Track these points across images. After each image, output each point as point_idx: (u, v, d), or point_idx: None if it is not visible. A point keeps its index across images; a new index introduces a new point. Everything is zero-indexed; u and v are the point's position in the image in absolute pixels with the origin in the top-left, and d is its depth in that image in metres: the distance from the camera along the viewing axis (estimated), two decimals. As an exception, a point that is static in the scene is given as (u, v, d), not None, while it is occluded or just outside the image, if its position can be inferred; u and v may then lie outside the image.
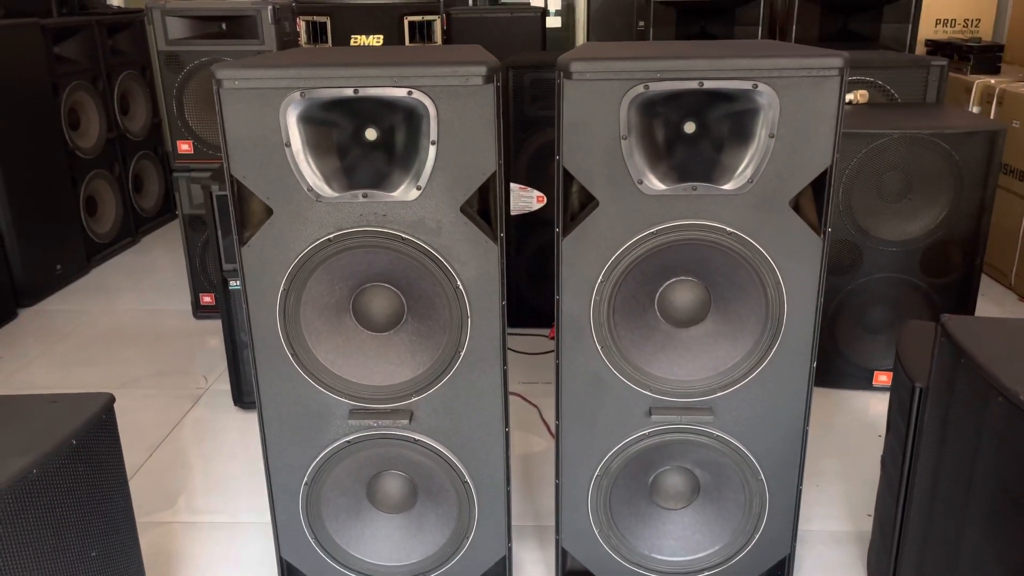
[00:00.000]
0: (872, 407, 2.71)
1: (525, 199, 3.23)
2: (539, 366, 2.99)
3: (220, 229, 2.57)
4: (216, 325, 3.26)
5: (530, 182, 3.15)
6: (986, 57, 4.05)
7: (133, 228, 4.50)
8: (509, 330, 3.29)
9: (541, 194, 3.18)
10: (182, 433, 2.62)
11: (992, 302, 3.51)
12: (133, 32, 4.43)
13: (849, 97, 2.97)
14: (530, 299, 3.29)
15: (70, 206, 3.95)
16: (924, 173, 2.57)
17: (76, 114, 4.03)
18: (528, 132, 3.08)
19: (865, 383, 2.81)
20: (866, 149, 2.54)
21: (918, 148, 2.54)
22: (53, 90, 3.82)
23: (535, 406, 2.72)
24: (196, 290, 3.47)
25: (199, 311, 3.50)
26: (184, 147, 3.23)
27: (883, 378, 2.79)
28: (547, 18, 4.32)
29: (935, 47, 4.37)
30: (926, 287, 2.69)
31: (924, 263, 2.67)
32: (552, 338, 3.16)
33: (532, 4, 6.57)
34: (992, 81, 3.79)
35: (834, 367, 2.81)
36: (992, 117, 3.71)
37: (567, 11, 6.18)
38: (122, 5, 5.05)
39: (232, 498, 2.28)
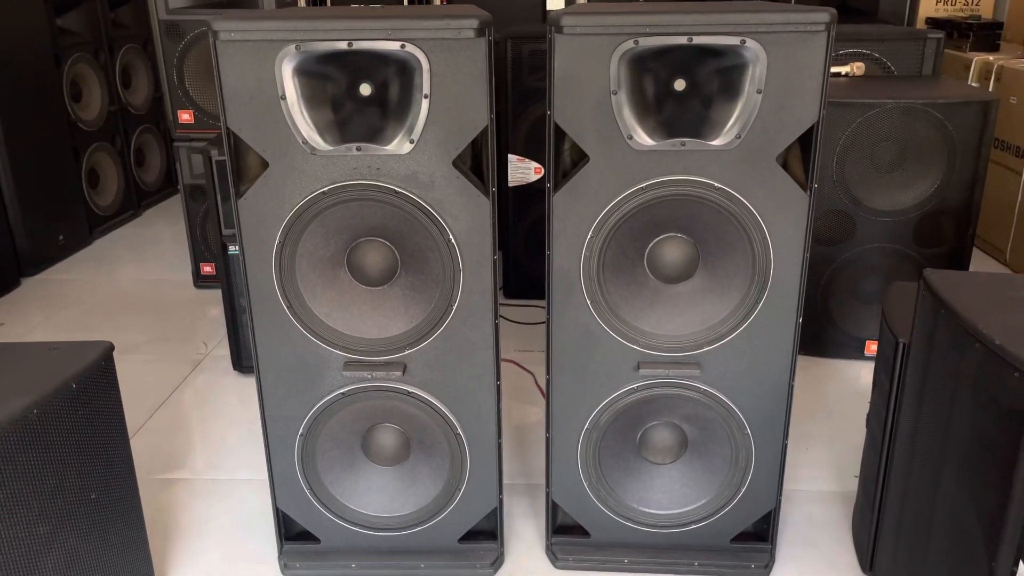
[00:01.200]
0: (863, 376, 2.74)
1: (523, 170, 3.26)
2: (534, 336, 3.02)
3: (220, 195, 2.60)
4: (216, 295, 3.30)
5: (528, 153, 3.18)
6: (985, 35, 4.05)
7: (135, 201, 4.54)
8: (505, 301, 3.34)
9: (539, 165, 3.20)
10: (182, 396, 2.66)
11: (987, 277, 3.53)
12: (135, 5, 4.44)
13: (845, 69, 2.98)
14: (527, 270, 3.32)
15: (72, 178, 3.98)
16: (917, 143, 2.59)
17: (78, 86, 4.05)
18: (526, 103, 3.10)
19: (857, 353, 2.84)
20: (860, 119, 2.56)
21: (912, 118, 2.55)
22: (55, 62, 3.85)
23: (530, 372, 2.76)
24: (197, 260, 3.50)
25: (199, 281, 3.53)
26: (185, 117, 3.25)
27: (874, 347, 2.82)
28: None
29: (935, 24, 4.38)
30: (919, 257, 2.71)
31: (917, 233, 2.69)
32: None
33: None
34: (991, 58, 3.80)
35: (826, 337, 2.84)
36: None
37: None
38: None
39: (231, 457, 2.32)
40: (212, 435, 2.43)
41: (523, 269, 3.34)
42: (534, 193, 3.20)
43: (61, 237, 3.88)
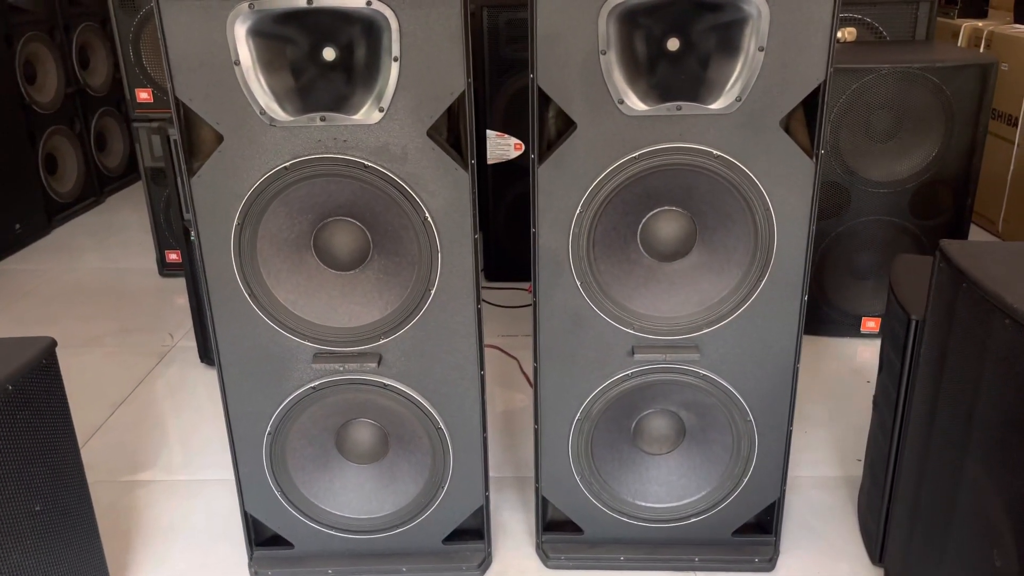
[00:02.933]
0: (860, 354, 2.64)
1: (502, 147, 3.11)
2: (518, 319, 2.89)
3: (180, 176, 2.44)
4: (182, 283, 3.15)
5: (507, 128, 3.03)
6: (973, 0, 3.95)
7: (97, 187, 4.34)
8: (487, 284, 3.20)
9: (519, 141, 3.06)
10: (146, 390, 2.50)
11: (979, 250, 3.45)
12: (91, -19, 4.23)
13: (837, 35, 2.85)
14: (508, 252, 3.18)
15: (28, 164, 3.78)
16: (914, 110, 2.48)
17: (32, 67, 3.85)
18: (505, 76, 2.96)
19: (853, 330, 2.74)
20: (855, 86, 2.44)
21: (908, 83, 2.44)
22: (6, 41, 3.64)
23: (514, 358, 2.63)
24: (161, 247, 3.34)
25: (165, 268, 3.37)
26: (143, 96, 3.08)
27: (871, 324, 2.72)
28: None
29: (921, -8, 4.26)
30: (916, 229, 2.61)
31: (914, 205, 2.59)
32: (531, 292, 3.08)
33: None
34: (980, 24, 3.70)
35: (821, 314, 2.73)
36: (980, 60, 3.62)
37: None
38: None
39: (197, 455, 2.17)
40: (178, 432, 2.28)
41: (504, 250, 3.21)
42: (515, 170, 3.06)
43: (18, 226, 3.69)
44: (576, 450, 1.67)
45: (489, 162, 3.13)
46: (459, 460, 1.65)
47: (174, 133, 2.32)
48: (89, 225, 4.06)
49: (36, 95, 3.83)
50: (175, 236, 3.30)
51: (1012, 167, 3.44)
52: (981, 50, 3.62)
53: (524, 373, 2.54)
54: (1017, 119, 3.38)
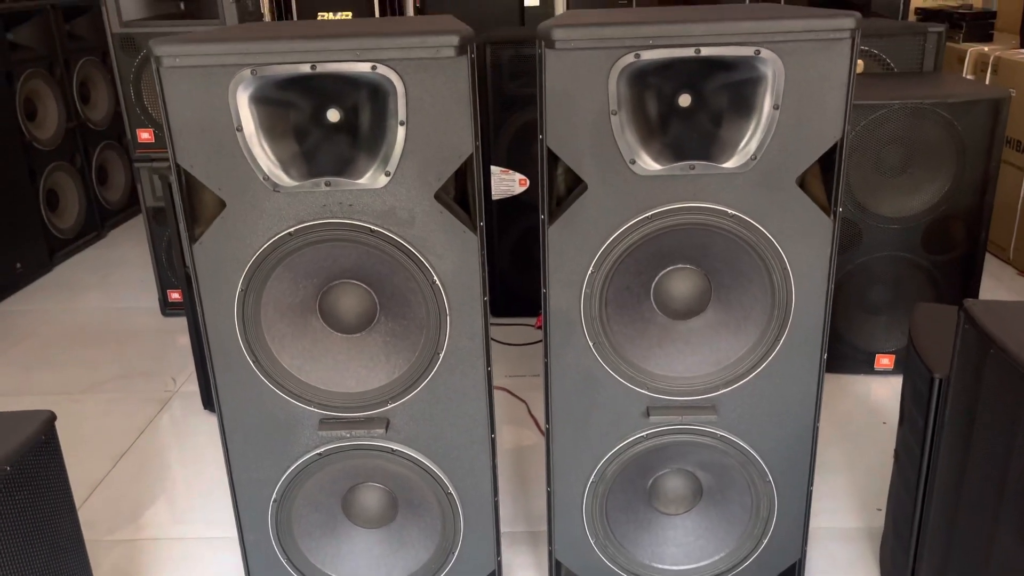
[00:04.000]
0: (875, 392, 2.59)
1: (507, 182, 3.08)
2: (526, 357, 2.85)
3: (181, 240, 2.40)
4: (184, 322, 3.10)
5: (512, 164, 3.00)
6: (978, 24, 3.93)
7: (99, 222, 4.31)
8: (493, 320, 3.16)
9: (523, 177, 3.03)
10: (148, 440, 2.46)
11: (991, 276, 3.41)
12: (92, 16, 4.21)
13: (843, 67, 2.83)
14: (514, 287, 3.14)
15: (29, 201, 3.75)
16: (925, 145, 2.44)
17: (33, 104, 3.83)
18: (508, 111, 2.93)
19: (866, 367, 2.69)
20: (865, 121, 2.41)
21: (919, 119, 2.41)
22: (7, 79, 3.62)
23: (523, 401, 2.58)
24: (163, 286, 3.30)
25: (167, 308, 3.33)
26: (144, 136, 3.05)
27: (885, 361, 2.67)
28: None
29: (926, 15, 4.25)
30: (928, 265, 2.57)
31: (926, 240, 2.55)
32: (539, 327, 3.03)
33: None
34: (986, 49, 3.67)
35: (833, 351, 2.68)
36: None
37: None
38: (79, -12, 4.82)
39: (200, 511, 2.13)
40: (179, 486, 2.24)
41: (510, 285, 3.17)
42: (520, 205, 3.03)
43: (19, 265, 3.66)
44: (591, 513, 1.62)
45: (494, 198, 3.10)
46: (470, 524, 1.61)
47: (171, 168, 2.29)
48: (91, 261, 4.02)
49: (37, 132, 3.81)
50: (177, 275, 3.26)
51: (1022, 194, 3.40)
52: (987, 75, 3.59)
53: (533, 417, 2.49)
54: (1026, 145, 3.34)
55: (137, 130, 3.05)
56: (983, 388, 1.30)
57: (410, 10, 2.93)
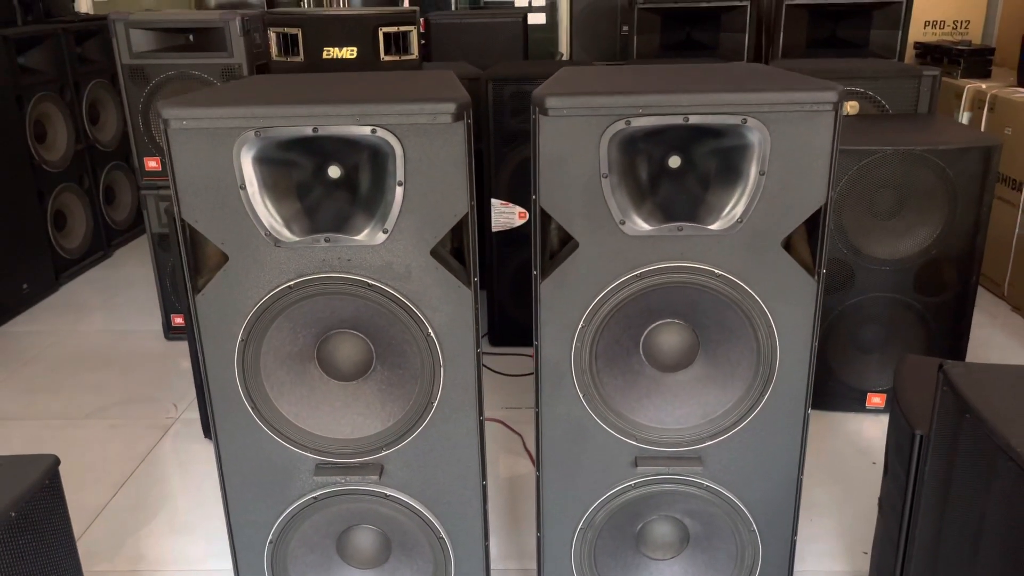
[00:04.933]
0: (866, 431, 2.63)
1: (507, 215, 3.13)
2: (522, 389, 2.89)
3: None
4: (187, 346, 3.15)
5: (512, 197, 3.05)
6: (976, 61, 3.97)
7: (105, 242, 4.37)
8: (491, 350, 3.20)
9: (523, 210, 3.08)
10: (149, 469, 2.50)
11: (985, 312, 3.44)
12: (102, 39, 4.28)
13: (839, 109, 2.87)
14: (513, 317, 3.19)
15: (37, 222, 3.81)
16: (917, 190, 2.48)
17: (42, 126, 3.89)
18: (509, 146, 2.98)
19: (858, 405, 2.73)
20: (858, 166, 2.45)
21: (911, 164, 2.45)
22: (17, 102, 3.68)
23: (518, 434, 2.62)
24: (167, 311, 3.35)
25: (171, 332, 3.38)
26: (152, 164, 3.10)
27: (876, 400, 2.71)
28: (531, 15, 4.21)
29: (924, 50, 4.30)
30: (920, 307, 2.61)
31: (918, 282, 2.59)
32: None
33: (516, 4, 6.44)
34: (983, 86, 3.72)
35: (826, 389, 2.72)
36: (984, 123, 3.64)
37: (551, 10, 6.06)
38: (91, 12, 4.90)
39: (199, 542, 2.17)
40: (180, 518, 2.28)
41: (509, 315, 3.21)
42: (518, 237, 3.08)
43: (25, 286, 3.71)
44: (579, 558, 1.66)
45: (494, 230, 3.15)
46: (461, 568, 1.65)
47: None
48: (96, 281, 4.08)
49: (46, 154, 3.87)
50: (180, 301, 3.31)
51: (1017, 231, 3.44)
52: (984, 113, 3.64)
53: (528, 451, 2.53)
54: (1021, 184, 3.38)
55: (144, 158, 3.10)
56: (959, 450, 1.34)
57: (414, 44, 2.98)
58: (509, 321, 3.21)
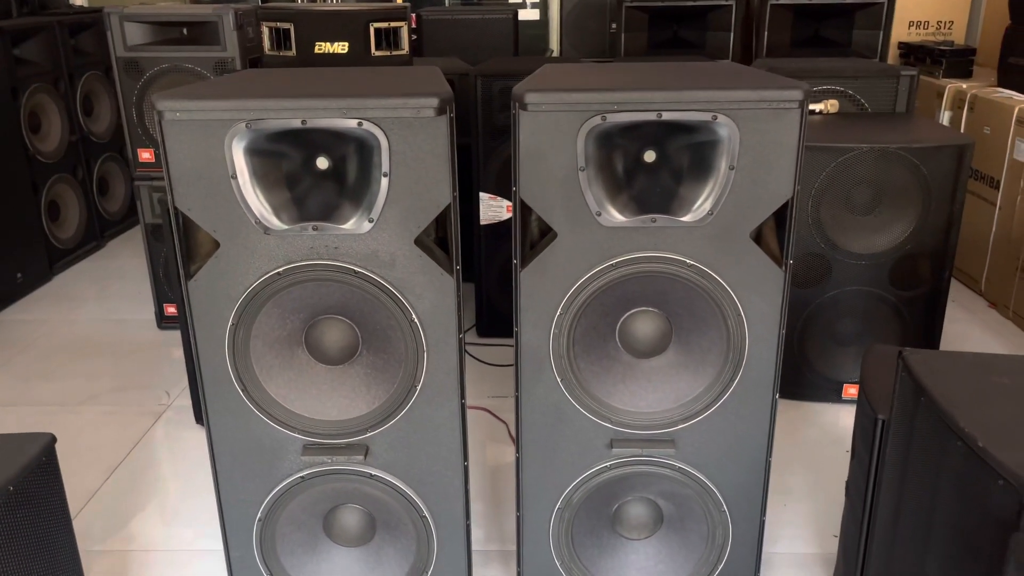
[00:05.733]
0: (841, 420, 2.70)
1: (495, 208, 3.19)
2: (508, 378, 2.95)
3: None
4: (179, 335, 3.20)
5: (499, 191, 3.11)
6: (958, 61, 4.04)
7: (98, 232, 4.41)
8: (478, 341, 3.26)
9: (511, 203, 3.13)
10: (141, 453, 2.56)
11: (962, 308, 3.52)
12: (96, 32, 4.32)
13: (819, 107, 2.95)
14: (500, 309, 3.25)
15: (31, 213, 3.85)
16: (893, 187, 2.55)
17: (37, 117, 3.93)
18: (497, 141, 3.04)
19: (834, 395, 2.80)
20: (835, 163, 2.52)
21: (887, 162, 2.52)
22: (12, 94, 3.72)
23: (503, 422, 2.69)
24: (160, 300, 3.40)
25: (163, 321, 3.43)
26: (145, 155, 3.15)
27: (852, 391, 2.78)
28: (522, 11, 4.25)
29: (908, 50, 4.37)
30: (895, 300, 2.68)
31: (893, 276, 2.66)
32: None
33: (508, 0, 6.49)
34: (964, 86, 3.79)
35: (803, 380, 2.79)
36: (963, 123, 3.71)
37: (543, 7, 6.11)
38: (84, 4, 4.94)
39: (189, 524, 2.23)
40: (170, 499, 2.33)
41: (496, 307, 3.28)
42: (507, 230, 3.14)
43: (19, 275, 3.76)
44: (557, 537, 1.72)
45: (482, 223, 3.21)
46: (443, 547, 1.71)
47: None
48: (90, 272, 4.12)
49: (40, 145, 3.91)
50: (173, 290, 3.36)
51: (994, 228, 3.51)
52: (964, 112, 3.71)
53: (512, 437, 2.60)
54: (999, 181, 3.46)
55: (138, 149, 3.15)
56: (915, 432, 1.41)
57: (405, 39, 3.03)
58: (496, 313, 3.27)
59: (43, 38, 3.95)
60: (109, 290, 3.88)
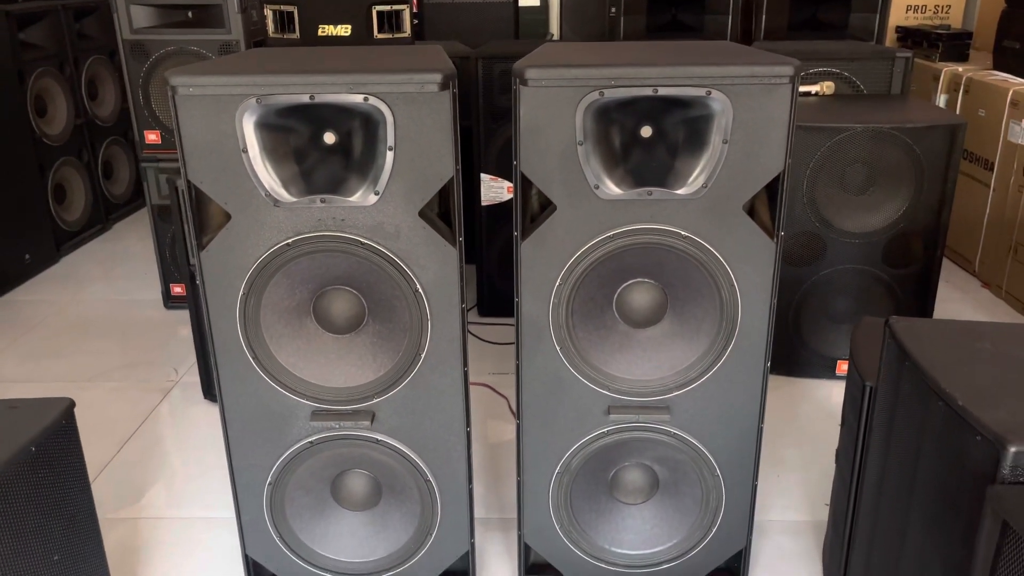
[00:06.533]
0: (834, 396, 2.76)
1: (496, 189, 3.24)
2: (509, 356, 3.01)
3: (187, 223, 2.56)
4: (187, 315, 3.25)
5: (500, 172, 3.16)
6: (955, 45, 4.08)
7: (104, 215, 4.47)
8: (480, 320, 3.32)
9: (511, 184, 3.18)
10: (151, 427, 2.62)
11: (956, 288, 3.58)
12: (100, 16, 4.36)
13: (815, 88, 2.99)
14: (500, 289, 3.31)
15: (38, 195, 3.91)
16: (886, 166, 2.60)
17: (43, 101, 3.98)
18: (498, 123, 3.09)
19: (828, 372, 2.86)
20: (830, 143, 2.57)
21: (880, 142, 2.57)
22: (19, 77, 3.77)
23: (504, 397, 2.75)
24: (166, 280, 3.46)
25: (170, 301, 3.49)
26: (152, 137, 3.20)
27: (846, 367, 2.84)
28: (524, -3, 4.29)
29: (905, 34, 4.40)
30: (888, 278, 2.73)
31: (886, 254, 2.71)
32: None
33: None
34: (959, 69, 3.83)
35: (798, 357, 2.85)
36: (959, 106, 3.75)
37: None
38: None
39: (200, 494, 2.29)
40: (181, 470, 2.40)
41: (496, 287, 3.33)
42: (507, 211, 3.19)
43: (27, 256, 3.82)
44: (556, 501, 1.78)
45: (483, 203, 3.26)
46: (446, 510, 1.77)
47: (182, 184, 2.44)
48: (96, 253, 4.18)
49: (46, 128, 3.96)
50: (180, 270, 3.42)
51: (988, 210, 3.57)
52: (960, 95, 3.75)
53: (512, 411, 2.66)
54: (993, 163, 3.51)
55: (145, 132, 3.20)
56: (900, 397, 1.46)
57: (407, 22, 3.08)
58: (497, 293, 3.33)
59: (48, 22, 3.99)
60: (115, 271, 3.94)
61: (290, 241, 1.55)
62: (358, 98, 1.45)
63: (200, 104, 1.46)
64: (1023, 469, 1.15)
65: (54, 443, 1.49)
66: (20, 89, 3.77)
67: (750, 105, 1.47)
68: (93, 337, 3.25)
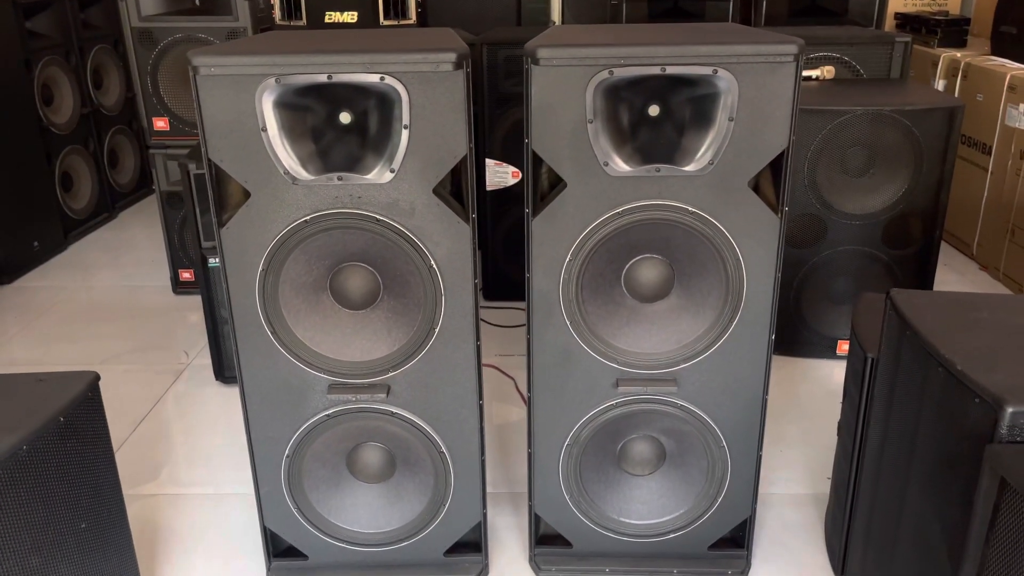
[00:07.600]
0: (835, 375, 2.81)
1: (500, 174, 3.28)
2: (515, 339, 3.06)
3: (198, 207, 2.61)
4: (196, 301, 3.30)
5: (505, 157, 3.20)
6: (953, 30, 4.12)
7: (110, 203, 4.50)
8: (485, 304, 3.37)
9: (516, 169, 3.23)
10: (165, 407, 2.67)
11: (954, 271, 3.62)
12: (105, 5, 4.38)
13: (816, 73, 3.03)
14: (506, 272, 3.35)
15: (45, 183, 3.94)
16: (886, 149, 2.65)
17: (49, 90, 4.01)
18: (503, 108, 3.12)
19: (829, 352, 2.91)
20: (830, 125, 2.61)
21: (880, 124, 2.61)
22: (26, 66, 3.80)
23: (511, 378, 2.80)
24: (175, 266, 3.50)
25: (179, 287, 3.53)
26: (160, 124, 3.24)
27: (846, 347, 2.88)
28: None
29: (904, 20, 4.44)
30: (888, 259, 2.78)
31: (886, 236, 2.76)
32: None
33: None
34: (958, 55, 3.87)
35: (799, 337, 2.90)
36: (957, 90, 3.80)
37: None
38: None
39: (215, 470, 2.34)
40: (196, 447, 2.45)
41: (502, 271, 3.37)
42: (512, 195, 3.23)
43: (36, 243, 3.85)
44: (566, 472, 1.83)
45: (488, 188, 3.30)
46: (459, 481, 1.82)
47: (195, 169, 2.49)
48: (103, 241, 4.22)
49: (53, 117, 3.99)
50: (188, 256, 3.46)
51: (986, 193, 3.61)
52: (958, 80, 3.79)
53: (520, 392, 2.71)
54: (991, 148, 3.55)
55: (153, 118, 3.24)
56: (900, 366, 1.51)
57: (412, 8, 3.11)
58: (503, 276, 3.37)
59: (54, 11, 4.02)
60: (123, 259, 3.98)
61: (308, 218, 1.60)
62: (374, 77, 1.50)
63: (221, 84, 1.50)
64: (1020, 429, 1.20)
65: (81, 414, 1.53)
66: (27, 78, 3.80)
67: (755, 83, 1.51)
68: (104, 322, 3.29)
